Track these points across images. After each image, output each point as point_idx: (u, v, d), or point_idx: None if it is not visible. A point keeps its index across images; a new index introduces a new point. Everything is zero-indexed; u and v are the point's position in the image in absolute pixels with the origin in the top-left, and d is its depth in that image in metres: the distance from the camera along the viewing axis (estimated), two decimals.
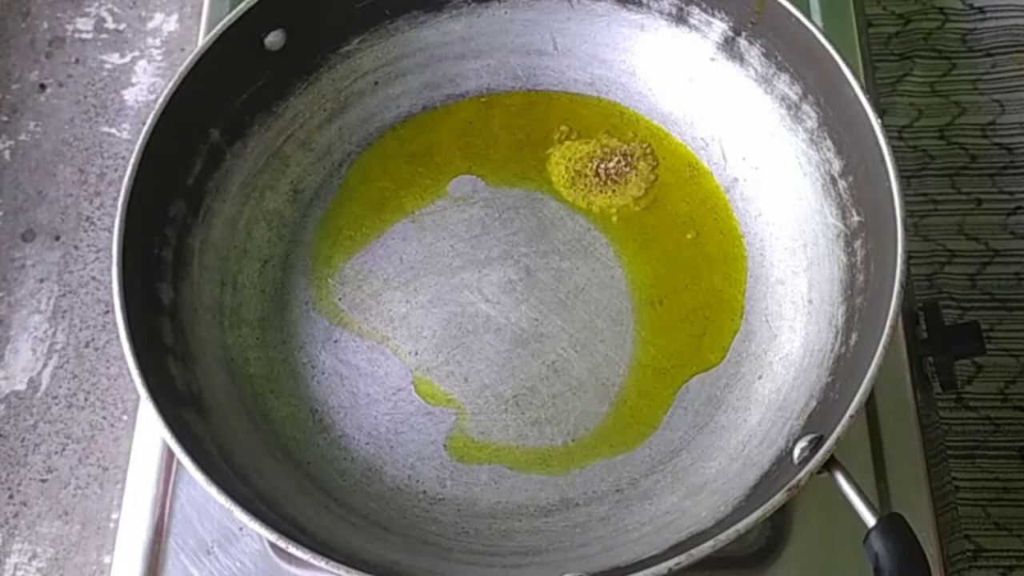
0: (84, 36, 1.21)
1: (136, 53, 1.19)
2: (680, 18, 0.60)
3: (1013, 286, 0.86)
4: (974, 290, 0.86)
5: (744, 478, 0.51)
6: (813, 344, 0.54)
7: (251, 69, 0.58)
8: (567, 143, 0.63)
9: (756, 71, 0.59)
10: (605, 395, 0.56)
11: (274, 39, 0.58)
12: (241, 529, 0.55)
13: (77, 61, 1.19)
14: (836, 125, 0.55)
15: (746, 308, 0.58)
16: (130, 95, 1.17)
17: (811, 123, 0.57)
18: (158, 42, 1.20)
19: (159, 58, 1.19)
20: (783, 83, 0.57)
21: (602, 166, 0.62)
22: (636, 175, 0.62)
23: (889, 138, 0.50)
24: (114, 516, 0.97)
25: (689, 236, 0.60)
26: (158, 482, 0.56)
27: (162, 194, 0.55)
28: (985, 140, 0.92)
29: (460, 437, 0.55)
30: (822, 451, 0.44)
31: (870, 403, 0.56)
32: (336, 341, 0.58)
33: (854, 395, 0.45)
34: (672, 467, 0.54)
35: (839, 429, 0.44)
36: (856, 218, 0.54)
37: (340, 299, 0.59)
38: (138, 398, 0.48)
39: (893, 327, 0.46)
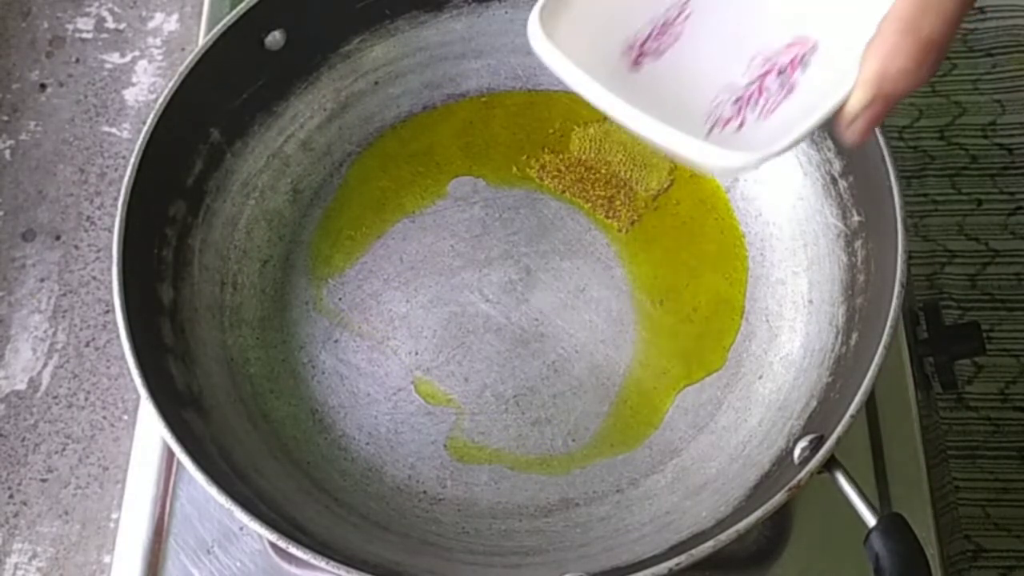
0: (84, 36, 1.21)
1: (136, 53, 1.19)
2: None
3: (1013, 286, 0.86)
4: (974, 290, 0.86)
5: (744, 478, 0.51)
6: (814, 344, 0.54)
7: (251, 69, 0.58)
8: (567, 142, 0.63)
9: None
10: (605, 395, 0.56)
11: (274, 39, 0.58)
12: (241, 529, 0.55)
13: (77, 61, 1.19)
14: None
15: (746, 308, 0.58)
16: (130, 95, 1.17)
17: None
18: (158, 42, 1.20)
19: (159, 58, 1.19)
20: None
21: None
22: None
23: (889, 138, 0.50)
24: (114, 516, 0.97)
25: (689, 236, 0.60)
26: (158, 482, 0.56)
27: (162, 194, 0.55)
28: (985, 140, 0.92)
29: (460, 437, 0.55)
30: (822, 451, 0.44)
31: (870, 403, 0.56)
32: (336, 341, 0.58)
33: (854, 395, 0.45)
34: (672, 467, 0.54)
35: (839, 429, 0.44)
36: (856, 218, 0.54)
37: (340, 299, 0.59)
38: (138, 398, 0.48)
39: (894, 327, 0.46)
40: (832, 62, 0.39)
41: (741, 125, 0.43)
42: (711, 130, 0.44)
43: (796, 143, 0.40)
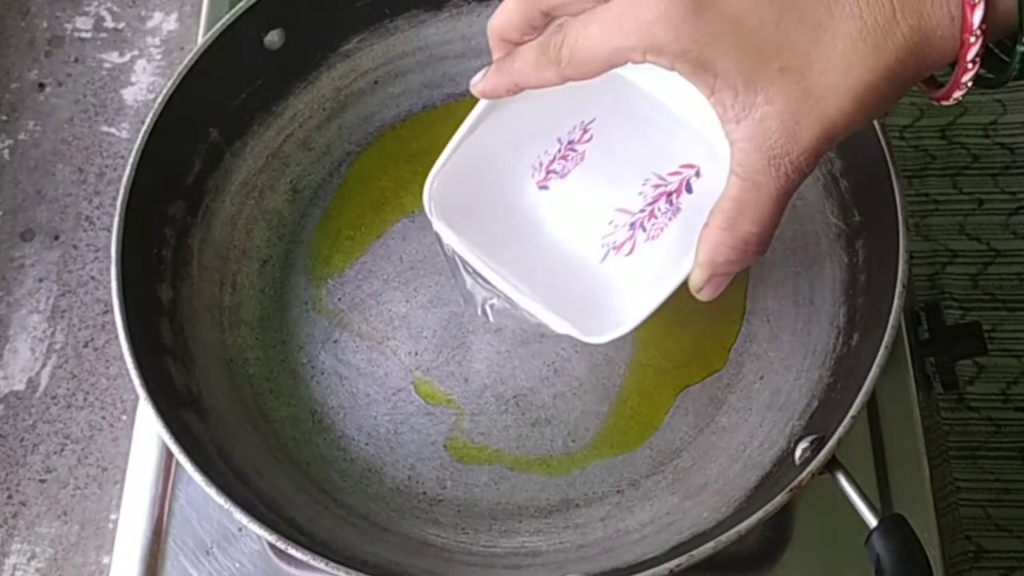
0: (83, 35, 1.21)
1: (135, 52, 1.19)
2: None
3: (1015, 286, 0.86)
4: (976, 290, 0.86)
5: (745, 479, 0.51)
6: (815, 344, 0.54)
7: (251, 68, 0.58)
8: None
9: None
10: (605, 395, 0.55)
11: (274, 38, 0.58)
12: (240, 530, 0.54)
13: (76, 60, 1.19)
14: None
15: (747, 308, 0.57)
16: (129, 94, 1.17)
17: None
18: (157, 41, 1.20)
19: (158, 57, 1.19)
20: None
21: None
22: None
23: (890, 138, 0.50)
24: (113, 516, 0.97)
25: None
26: (157, 482, 0.56)
27: (161, 194, 0.55)
28: (987, 140, 0.92)
29: (460, 438, 0.55)
30: (824, 452, 0.44)
31: (871, 403, 0.56)
32: (336, 341, 0.58)
33: (856, 395, 0.45)
34: (673, 468, 0.54)
35: (841, 430, 0.44)
36: (857, 218, 0.54)
37: (340, 299, 0.59)
38: (137, 398, 0.48)
39: (895, 327, 0.46)
40: (711, 186, 0.42)
41: (632, 250, 0.48)
42: (606, 255, 0.49)
43: (649, 318, 0.46)
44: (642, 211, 0.48)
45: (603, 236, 0.50)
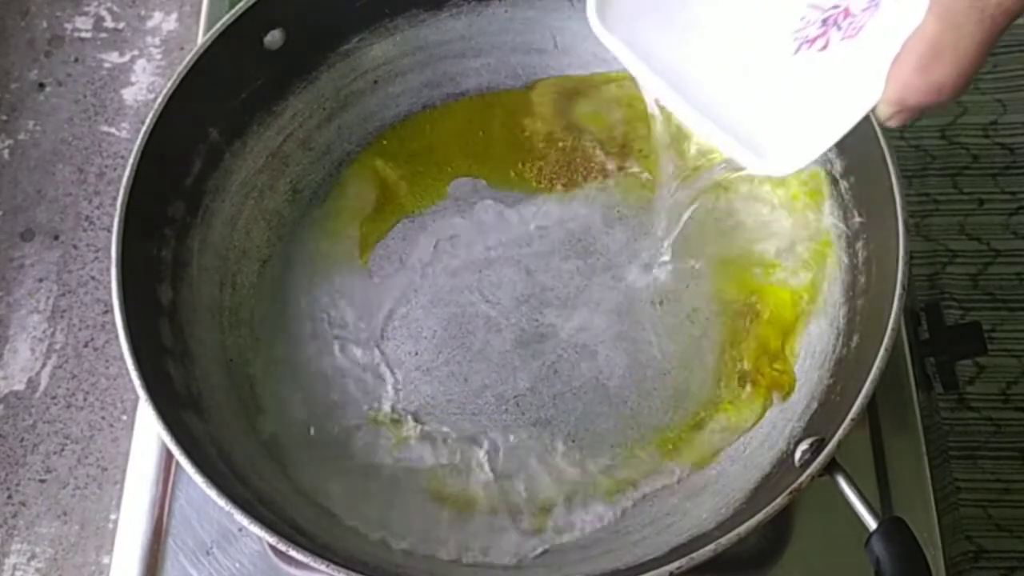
0: (83, 35, 1.20)
1: (135, 52, 1.19)
2: None
3: (1015, 286, 0.86)
4: (976, 290, 0.86)
5: (745, 480, 0.51)
6: (814, 345, 0.54)
7: (250, 68, 0.58)
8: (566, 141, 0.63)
9: None
10: (605, 396, 0.55)
11: (273, 38, 0.58)
12: (240, 530, 0.54)
13: (76, 60, 1.19)
14: None
15: None
16: (129, 94, 1.17)
17: None
18: (157, 41, 1.20)
19: (158, 57, 1.19)
20: None
21: None
22: None
23: (890, 138, 0.50)
24: (113, 516, 0.97)
25: None
26: (157, 483, 0.56)
27: (161, 194, 0.55)
28: (987, 140, 0.92)
29: (460, 437, 0.55)
30: (823, 454, 0.44)
31: (871, 404, 0.56)
32: (336, 341, 0.57)
33: (856, 398, 0.44)
34: (672, 468, 0.54)
35: (841, 432, 0.44)
36: (858, 219, 0.54)
37: (339, 299, 0.59)
38: (137, 398, 0.48)
39: (895, 329, 0.46)
40: None
41: (826, 46, 0.43)
42: (799, 48, 0.44)
43: (822, 151, 0.42)
44: (835, 7, 0.44)
45: (795, 31, 0.45)
